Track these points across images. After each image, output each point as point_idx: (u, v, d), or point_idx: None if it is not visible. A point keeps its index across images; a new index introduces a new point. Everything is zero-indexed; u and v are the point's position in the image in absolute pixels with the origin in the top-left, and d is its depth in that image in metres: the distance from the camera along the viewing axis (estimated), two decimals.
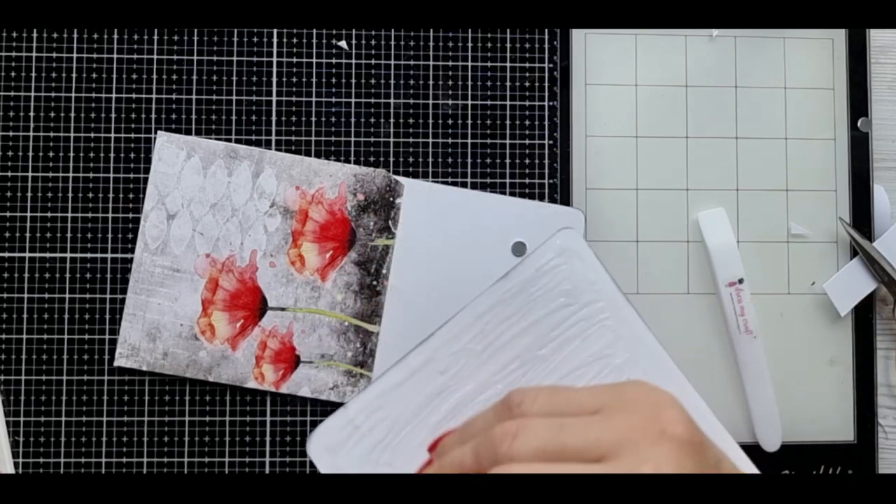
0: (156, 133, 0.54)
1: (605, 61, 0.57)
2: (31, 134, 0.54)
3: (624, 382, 0.28)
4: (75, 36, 0.54)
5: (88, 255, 0.54)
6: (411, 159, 0.55)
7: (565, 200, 0.55)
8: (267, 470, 0.54)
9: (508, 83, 0.56)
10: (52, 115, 0.54)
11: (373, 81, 0.56)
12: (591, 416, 0.27)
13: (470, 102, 0.56)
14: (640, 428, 0.25)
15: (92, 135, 0.54)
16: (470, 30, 0.56)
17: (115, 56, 0.55)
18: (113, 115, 0.54)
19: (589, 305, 0.37)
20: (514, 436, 0.26)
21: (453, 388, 0.35)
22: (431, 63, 0.56)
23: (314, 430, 0.33)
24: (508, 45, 0.56)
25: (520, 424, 0.27)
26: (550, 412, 0.27)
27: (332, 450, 0.34)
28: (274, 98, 0.55)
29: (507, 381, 0.36)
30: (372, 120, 0.55)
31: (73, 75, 0.54)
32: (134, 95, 0.55)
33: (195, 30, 0.55)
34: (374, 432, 0.35)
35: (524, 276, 0.37)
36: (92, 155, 0.54)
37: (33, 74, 0.54)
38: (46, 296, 0.54)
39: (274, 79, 0.55)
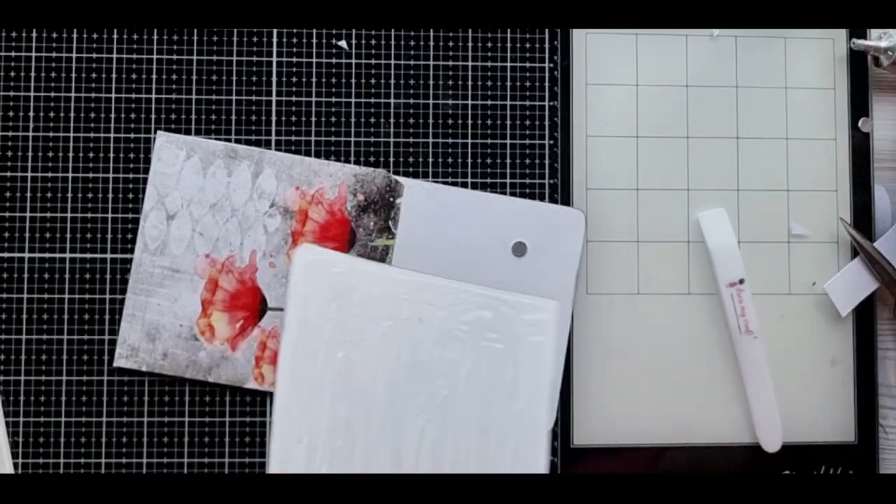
0: (155, 133, 0.54)
1: (605, 61, 0.57)
2: (31, 134, 0.54)
3: None
4: (75, 36, 0.54)
5: (88, 256, 0.54)
6: (411, 159, 0.55)
7: (565, 200, 0.55)
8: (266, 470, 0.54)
9: (509, 83, 0.56)
10: (52, 115, 0.54)
11: (373, 81, 0.56)
12: None
13: (470, 102, 0.56)
14: None
15: (91, 135, 0.54)
16: (470, 30, 0.56)
17: (114, 56, 0.54)
18: (112, 115, 0.54)
19: None
20: None
21: None
22: (431, 63, 0.56)
23: None
24: (509, 44, 0.56)
25: None
26: None
27: None
28: (274, 98, 0.55)
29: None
30: (372, 120, 0.55)
31: (73, 75, 0.54)
32: (134, 95, 0.54)
33: (195, 30, 0.55)
34: None
35: None
36: (91, 155, 0.54)
37: (33, 74, 0.54)
38: (46, 296, 0.54)
39: (274, 79, 0.55)
